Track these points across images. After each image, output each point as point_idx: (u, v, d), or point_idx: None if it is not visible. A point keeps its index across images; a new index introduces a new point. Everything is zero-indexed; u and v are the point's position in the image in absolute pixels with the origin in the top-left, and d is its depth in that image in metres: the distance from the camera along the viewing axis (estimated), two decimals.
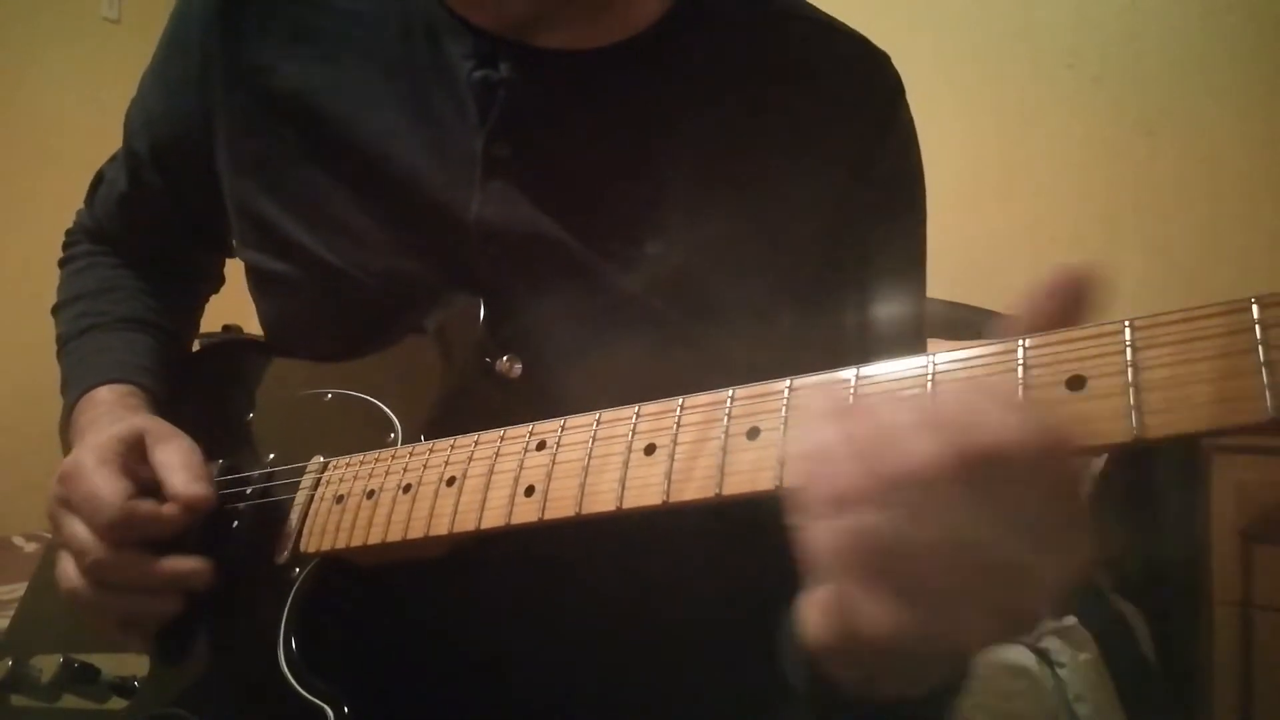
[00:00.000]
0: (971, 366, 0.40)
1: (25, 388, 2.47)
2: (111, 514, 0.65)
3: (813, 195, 0.73)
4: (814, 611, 0.44)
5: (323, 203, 0.74)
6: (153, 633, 0.70)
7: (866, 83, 0.77)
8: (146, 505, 0.67)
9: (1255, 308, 0.33)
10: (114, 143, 0.92)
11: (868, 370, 0.43)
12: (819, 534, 0.39)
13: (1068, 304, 0.39)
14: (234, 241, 0.82)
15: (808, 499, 0.40)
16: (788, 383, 0.45)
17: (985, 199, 2.25)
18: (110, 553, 0.66)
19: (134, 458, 0.71)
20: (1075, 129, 2.20)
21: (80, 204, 0.98)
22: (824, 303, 0.74)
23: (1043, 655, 1.53)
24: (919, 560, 0.37)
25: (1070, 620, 1.61)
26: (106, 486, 0.66)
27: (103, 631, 0.71)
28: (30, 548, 2.15)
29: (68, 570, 0.69)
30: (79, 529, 0.67)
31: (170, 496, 0.68)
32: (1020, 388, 0.38)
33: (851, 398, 0.43)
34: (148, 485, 0.70)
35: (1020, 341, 0.38)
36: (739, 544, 0.73)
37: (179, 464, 0.70)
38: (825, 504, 0.39)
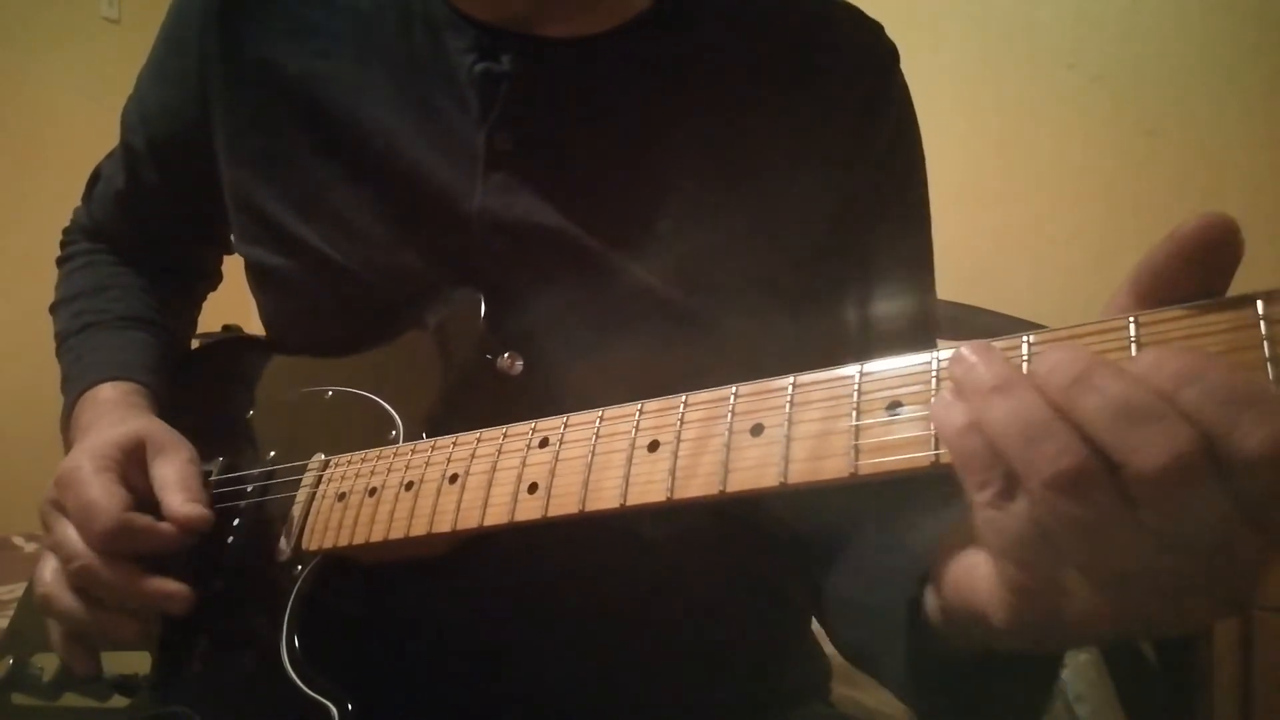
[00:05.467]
0: None
1: (24, 388, 2.47)
2: (107, 524, 0.65)
3: (817, 169, 0.73)
4: (989, 589, 0.40)
5: (323, 196, 0.74)
6: (100, 654, 0.70)
7: (863, 53, 0.78)
8: (144, 519, 0.67)
9: (1260, 304, 0.33)
10: (113, 142, 0.92)
11: (871, 366, 0.43)
12: (1009, 515, 0.36)
13: (1203, 266, 0.36)
14: (233, 236, 0.82)
15: (991, 476, 0.36)
16: (791, 380, 0.45)
17: (985, 199, 2.25)
18: (99, 562, 0.66)
19: (132, 466, 0.71)
20: (1075, 129, 2.19)
21: (79, 204, 0.98)
22: (833, 276, 0.74)
23: None
24: (1139, 554, 0.33)
25: None
26: (104, 496, 0.66)
27: (58, 639, 0.70)
28: (30, 548, 2.15)
29: (45, 573, 0.69)
30: (71, 535, 0.67)
31: (167, 516, 0.68)
32: None
33: (855, 395, 0.42)
34: (145, 495, 0.70)
35: (1024, 337, 0.37)
36: (739, 545, 0.73)
37: (177, 481, 0.69)
38: (1019, 484, 0.35)
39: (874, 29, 0.79)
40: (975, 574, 0.42)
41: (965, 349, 0.38)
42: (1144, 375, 0.33)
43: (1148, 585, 0.34)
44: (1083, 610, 0.35)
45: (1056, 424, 0.34)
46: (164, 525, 0.67)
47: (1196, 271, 0.36)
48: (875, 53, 0.78)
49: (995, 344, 0.38)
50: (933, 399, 0.39)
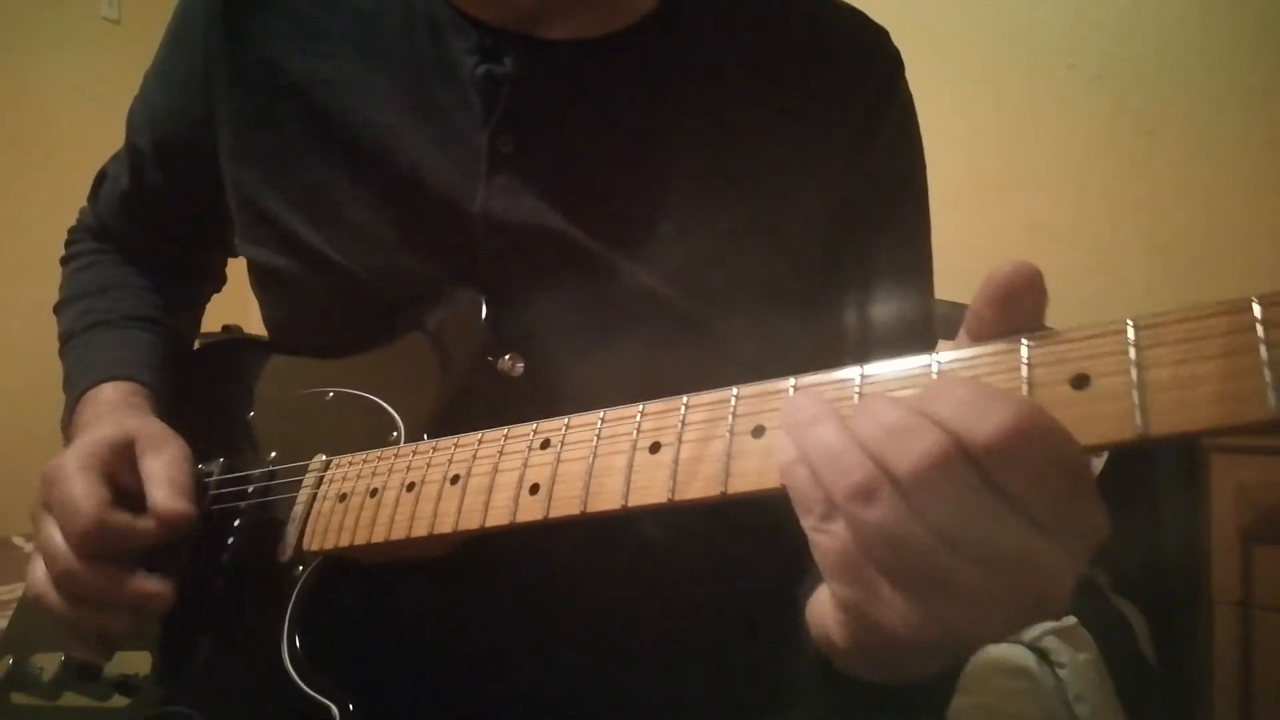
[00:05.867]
0: (974, 365, 0.40)
1: (25, 387, 2.47)
2: (84, 523, 0.65)
3: (817, 172, 0.74)
4: (828, 611, 0.44)
5: (326, 198, 0.74)
6: (111, 647, 0.70)
7: (866, 58, 0.78)
8: (121, 518, 0.67)
9: (1257, 307, 0.33)
10: (115, 142, 0.92)
11: (871, 369, 0.43)
12: (829, 535, 0.39)
13: (1010, 312, 0.40)
14: (236, 238, 0.82)
15: (813, 501, 0.40)
16: (792, 381, 0.45)
17: (985, 199, 2.25)
18: (80, 564, 0.66)
19: (120, 463, 0.70)
20: (1075, 129, 2.20)
21: (80, 203, 0.98)
22: (832, 279, 0.74)
23: (1043, 655, 1.53)
24: (931, 555, 0.37)
25: (1070, 620, 1.61)
26: (83, 494, 0.66)
27: (63, 638, 0.71)
28: (30, 548, 2.15)
29: (36, 573, 0.69)
30: (54, 534, 0.67)
31: (151, 510, 0.67)
32: (1024, 386, 0.38)
33: (856, 397, 0.43)
34: (131, 493, 0.69)
35: (1023, 340, 0.38)
36: (739, 545, 0.73)
37: (163, 476, 0.69)
38: (834, 505, 0.39)
39: (878, 35, 0.79)
40: (821, 600, 0.46)
41: (795, 393, 0.45)
42: (910, 399, 0.38)
43: (951, 590, 0.37)
44: (899, 620, 0.38)
45: (849, 447, 0.39)
46: (142, 523, 0.67)
47: (1009, 313, 0.40)
48: (878, 59, 0.78)
49: (988, 347, 0.40)
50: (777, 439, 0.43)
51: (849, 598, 0.40)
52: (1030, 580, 0.37)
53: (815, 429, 0.40)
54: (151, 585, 0.67)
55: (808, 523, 0.41)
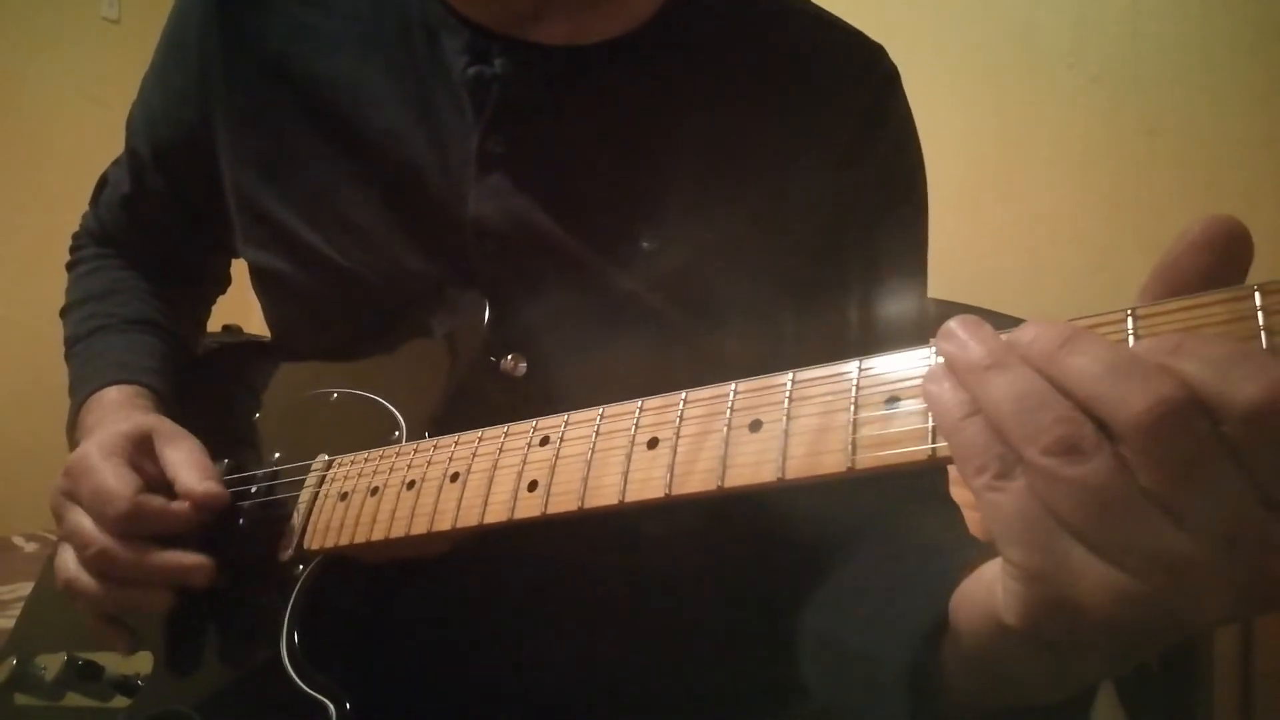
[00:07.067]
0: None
1: (25, 389, 2.47)
2: (121, 507, 0.66)
3: (810, 187, 0.74)
4: (998, 588, 0.38)
5: (326, 200, 0.74)
6: (137, 631, 0.71)
7: (861, 73, 0.78)
8: (156, 500, 0.68)
9: (1257, 295, 0.33)
10: (114, 142, 0.92)
11: (870, 362, 0.43)
12: (1008, 494, 0.35)
13: (1222, 260, 0.35)
14: (237, 241, 0.82)
15: (989, 458, 0.35)
16: (790, 375, 0.45)
17: (985, 199, 2.25)
18: (115, 544, 0.66)
19: (141, 454, 0.71)
20: (1075, 129, 2.19)
21: (80, 204, 0.99)
22: (823, 295, 0.74)
23: None
24: (1140, 518, 0.32)
25: None
26: (116, 480, 0.67)
27: (93, 625, 0.71)
28: (30, 548, 2.15)
29: (67, 561, 0.69)
30: (85, 522, 0.68)
31: (183, 494, 0.68)
32: None
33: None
34: (154, 482, 0.70)
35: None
36: (739, 544, 0.73)
37: (190, 462, 0.70)
38: (1015, 460, 0.34)
39: (874, 51, 0.79)
40: (984, 577, 0.42)
41: (956, 324, 0.38)
42: (1139, 347, 0.33)
43: (1160, 561, 0.32)
44: (1095, 590, 0.33)
45: (1050, 392, 0.34)
46: (177, 505, 0.68)
47: (1215, 261, 0.35)
48: (874, 73, 0.78)
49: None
50: (925, 382, 0.38)
51: (1035, 566, 0.35)
52: (1262, 570, 0.32)
53: (1000, 375, 0.35)
54: (191, 557, 0.68)
55: (979, 481, 0.36)
